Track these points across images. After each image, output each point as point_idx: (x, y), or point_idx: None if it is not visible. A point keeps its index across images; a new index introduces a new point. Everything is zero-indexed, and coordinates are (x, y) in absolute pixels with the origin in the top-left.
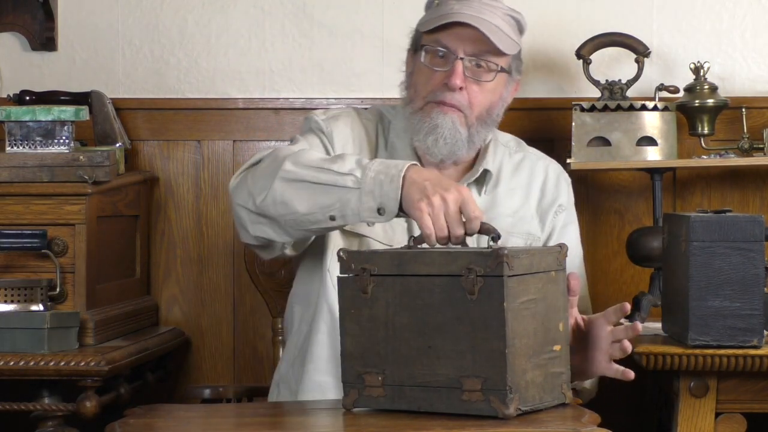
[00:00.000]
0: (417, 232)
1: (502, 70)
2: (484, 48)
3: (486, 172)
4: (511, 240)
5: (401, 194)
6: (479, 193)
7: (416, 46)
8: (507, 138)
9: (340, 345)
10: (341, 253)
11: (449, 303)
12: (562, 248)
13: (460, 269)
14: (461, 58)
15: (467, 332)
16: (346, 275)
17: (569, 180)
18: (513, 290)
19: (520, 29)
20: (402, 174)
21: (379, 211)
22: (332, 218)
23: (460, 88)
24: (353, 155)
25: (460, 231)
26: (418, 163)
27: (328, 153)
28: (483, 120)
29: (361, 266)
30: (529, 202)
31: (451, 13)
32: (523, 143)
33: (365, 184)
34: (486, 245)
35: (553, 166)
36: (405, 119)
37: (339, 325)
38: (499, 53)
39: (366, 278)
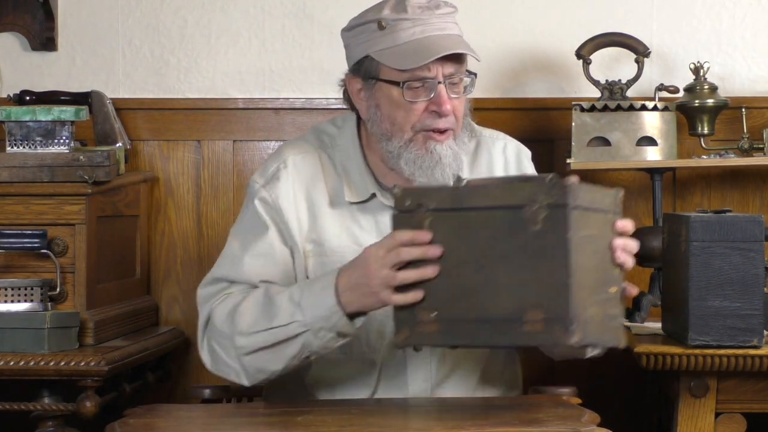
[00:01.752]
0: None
1: (470, 73)
2: (456, 66)
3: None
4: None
5: (350, 312)
6: None
7: (371, 74)
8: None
9: None
10: (396, 190)
11: (510, 235)
12: (619, 192)
13: (522, 200)
14: (440, 82)
15: (529, 264)
16: (401, 211)
17: (529, 154)
18: (577, 222)
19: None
20: (336, 301)
21: (340, 335)
22: (308, 357)
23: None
24: (283, 293)
25: (404, 257)
26: (335, 272)
27: (281, 227)
28: (463, 127)
29: (417, 202)
30: None
31: (421, 40)
32: (474, 125)
33: (311, 324)
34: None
35: (510, 144)
36: (385, 153)
37: None
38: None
39: (422, 213)
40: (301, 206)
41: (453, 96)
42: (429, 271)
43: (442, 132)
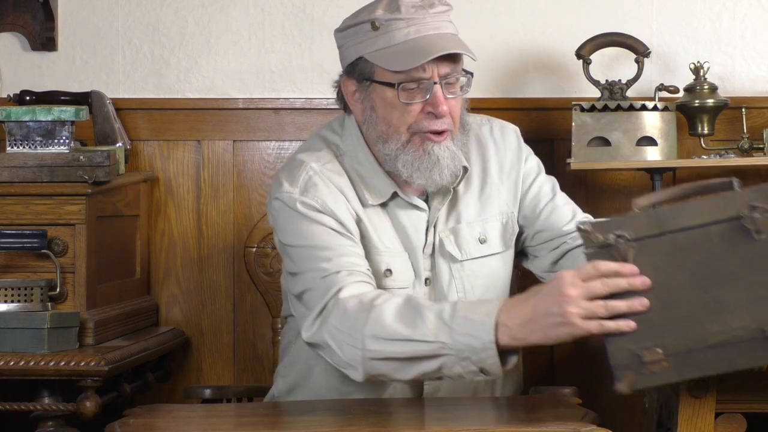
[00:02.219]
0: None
1: (467, 72)
2: (452, 66)
3: (465, 168)
4: (487, 226)
5: (512, 345)
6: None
7: (365, 76)
8: None
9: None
10: (583, 226)
11: (733, 249)
12: None
13: (738, 211)
14: (436, 83)
15: (761, 276)
16: (596, 249)
17: (518, 130)
18: None
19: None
20: (493, 338)
21: (482, 371)
22: (440, 378)
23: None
24: (431, 306)
25: (607, 288)
26: (496, 303)
27: (338, 227)
28: (462, 126)
29: (614, 234)
30: (491, 175)
31: (415, 40)
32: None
33: (459, 351)
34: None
35: (495, 125)
36: (382, 155)
37: None
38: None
39: (624, 245)
40: (346, 209)
41: (449, 96)
42: (638, 304)
43: (439, 133)
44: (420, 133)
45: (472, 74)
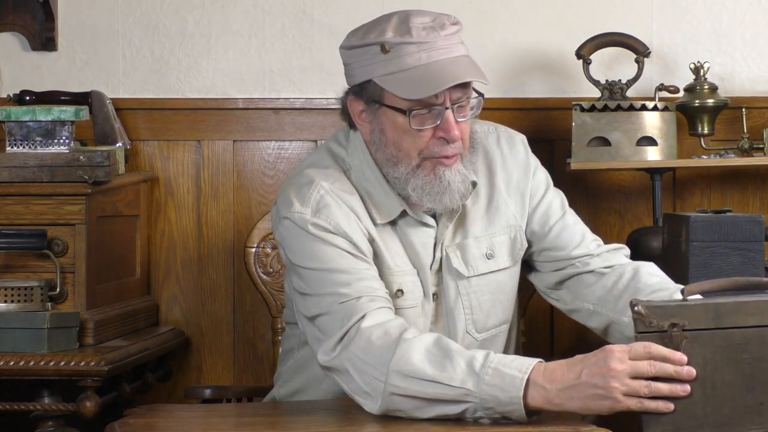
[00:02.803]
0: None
1: (478, 94)
2: (463, 90)
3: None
4: (494, 240)
5: (545, 408)
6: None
7: (374, 98)
8: None
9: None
10: (638, 308)
11: None
12: None
13: None
14: (448, 108)
15: None
16: (648, 332)
17: (525, 140)
18: None
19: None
20: (520, 395)
21: (505, 419)
22: (457, 419)
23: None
24: (469, 353)
25: (653, 370)
26: (531, 362)
27: (352, 249)
28: (470, 146)
29: (669, 321)
30: (498, 187)
31: (428, 65)
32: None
33: (483, 399)
34: None
35: (503, 135)
36: (391, 178)
37: None
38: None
39: (677, 335)
40: (359, 229)
41: (460, 119)
42: (680, 389)
43: (449, 157)
44: (431, 158)
45: (483, 96)
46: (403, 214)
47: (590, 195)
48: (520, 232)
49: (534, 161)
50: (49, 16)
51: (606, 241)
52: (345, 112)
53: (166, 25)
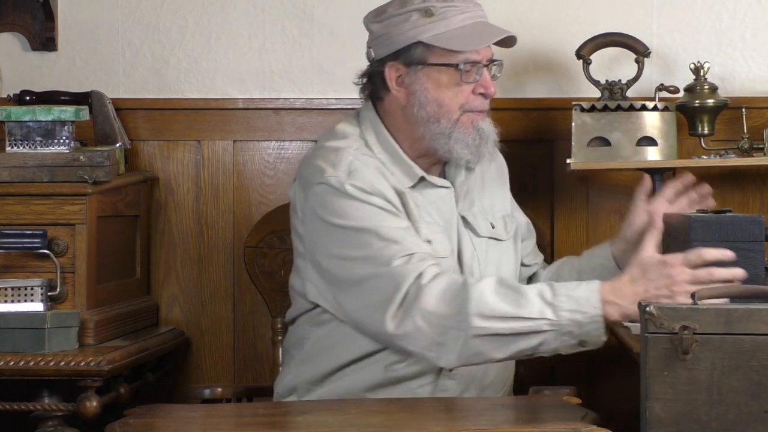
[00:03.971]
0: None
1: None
2: (493, 51)
3: None
4: (494, 214)
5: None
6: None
7: (418, 60)
8: None
9: (642, 410)
10: (650, 308)
11: None
12: None
13: None
14: (485, 65)
15: None
16: (658, 333)
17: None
18: None
19: None
20: (600, 312)
21: (581, 344)
22: (531, 355)
23: None
24: (533, 287)
25: (710, 277)
26: (595, 281)
27: (390, 207)
28: None
29: (681, 324)
30: (489, 175)
31: (472, 25)
32: None
33: (562, 326)
34: None
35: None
36: (430, 135)
37: (641, 386)
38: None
39: (688, 338)
40: (391, 189)
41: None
42: (739, 275)
43: (483, 111)
44: (469, 112)
45: (502, 62)
46: (422, 179)
47: (590, 195)
48: (507, 217)
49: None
50: (49, 16)
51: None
52: (371, 84)
53: (166, 25)
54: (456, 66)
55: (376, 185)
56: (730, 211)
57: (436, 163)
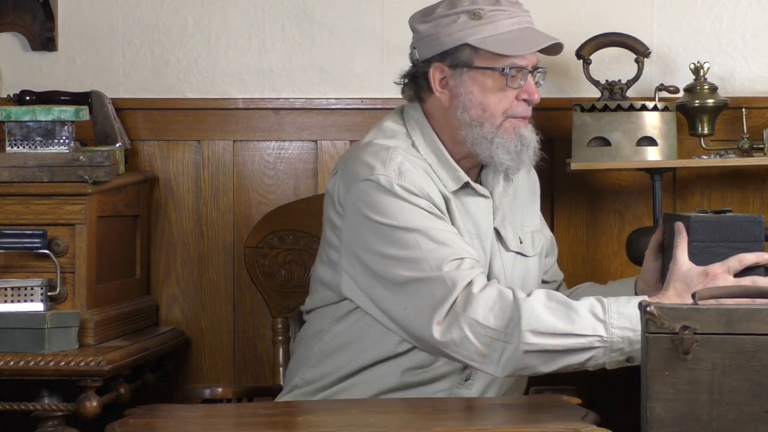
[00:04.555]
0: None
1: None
2: (538, 58)
3: None
4: (523, 230)
5: None
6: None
7: (464, 62)
8: None
9: (643, 409)
10: (651, 308)
11: None
12: None
13: None
14: (530, 72)
15: None
16: (659, 333)
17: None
18: None
19: None
20: None
21: (628, 360)
22: (575, 370)
23: None
24: (584, 303)
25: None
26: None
27: (437, 211)
28: None
29: (681, 324)
30: (522, 191)
31: (521, 30)
32: None
33: (613, 343)
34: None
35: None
36: (472, 139)
37: (642, 386)
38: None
39: (688, 338)
40: (438, 193)
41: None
42: None
43: (526, 118)
44: (512, 117)
45: (546, 69)
46: (466, 185)
47: (590, 195)
48: (536, 233)
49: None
50: (49, 16)
51: (605, 242)
52: (414, 84)
53: (166, 25)
54: (501, 70)
55: (425, 188)
56: (730, 211)
57: (474, 167)
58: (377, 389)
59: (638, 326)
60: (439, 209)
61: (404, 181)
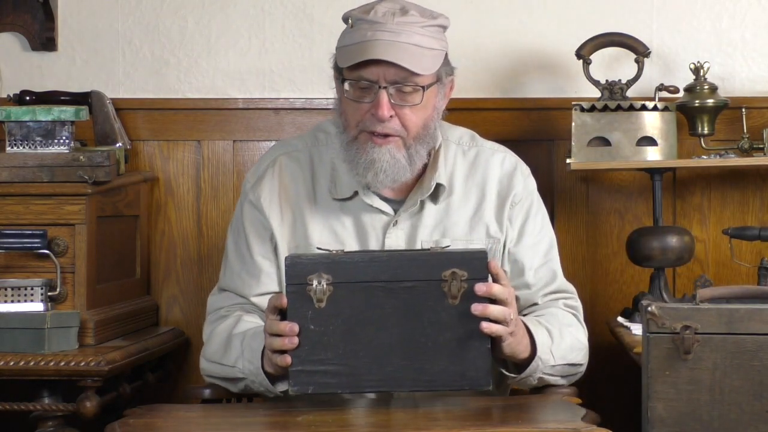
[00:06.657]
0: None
1: (429, 86)
2: (404, 74)
3: (438, 186)
4: (471, 246)
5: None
6: (434, 204)
7: (336, 67)
8: (459, 134)
9: (644, 409)
10: (652, 308)
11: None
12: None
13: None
14: (384, 87)
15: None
16: (660, 333)
17: (527, 170)
18: None
19: (444, 29)
20: (261, 364)
21: (269, 391)
22: (258, 395)
23: (390, 116)
24: (239, 334)
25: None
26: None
27: (265, 223)
28: (421, 138)
29: (682, 324)
30: (486, 200)
31: (365, 42)
32: (477, 136)
33: (249, 375)
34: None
35: (509, 158)
36: (342, 145)
37: (643, 386)
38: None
39: (689, 338)
40: (284, 205)
41: (400, 104)
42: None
43: (383, 136)
44: (365, 131)
45: (424, 88)
46: (355, 195)
47: (590, 195)
48: (497, 245)
49: (528, 187)
50: (49, 16)
51: (605, 242)
52: None
53: (166, 25)
54: (342, 81)
55: (263, 201)
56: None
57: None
58: None
59: (255, 362)
60: (269, 223)
61: (254, 190)
